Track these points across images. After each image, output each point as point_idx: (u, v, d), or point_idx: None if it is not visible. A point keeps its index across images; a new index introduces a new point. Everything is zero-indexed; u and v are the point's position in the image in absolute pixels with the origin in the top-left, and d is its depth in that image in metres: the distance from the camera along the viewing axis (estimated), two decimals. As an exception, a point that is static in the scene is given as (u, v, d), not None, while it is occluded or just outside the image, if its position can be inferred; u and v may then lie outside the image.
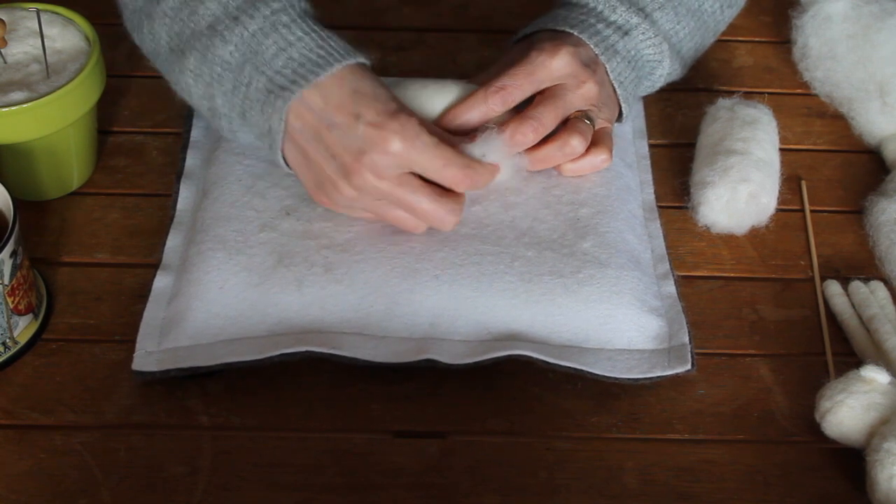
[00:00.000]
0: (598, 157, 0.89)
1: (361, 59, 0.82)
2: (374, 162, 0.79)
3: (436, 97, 0.85)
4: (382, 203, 0.82)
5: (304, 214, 0.86)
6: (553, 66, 0.85)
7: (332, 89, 0.80)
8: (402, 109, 0.80)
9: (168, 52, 0.86)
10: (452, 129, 0.84)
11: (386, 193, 0.81)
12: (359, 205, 0.83)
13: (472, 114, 0.84)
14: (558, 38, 0.87)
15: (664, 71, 0.93)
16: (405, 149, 0.79)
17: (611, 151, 0.89)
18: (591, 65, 0.87)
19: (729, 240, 0.93)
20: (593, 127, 0.89)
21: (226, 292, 0.83)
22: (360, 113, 0.79)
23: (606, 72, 0.89)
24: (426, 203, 0.82)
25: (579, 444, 0.80)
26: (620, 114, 0.92)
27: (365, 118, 0.79)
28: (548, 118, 0.85)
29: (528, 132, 0.84)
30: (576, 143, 0.87)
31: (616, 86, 0.89)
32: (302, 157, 0.82)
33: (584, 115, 0.88)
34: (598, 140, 0.89)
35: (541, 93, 0.86)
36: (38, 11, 0.90)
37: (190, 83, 0.85)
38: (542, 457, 0.79)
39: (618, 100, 0.91)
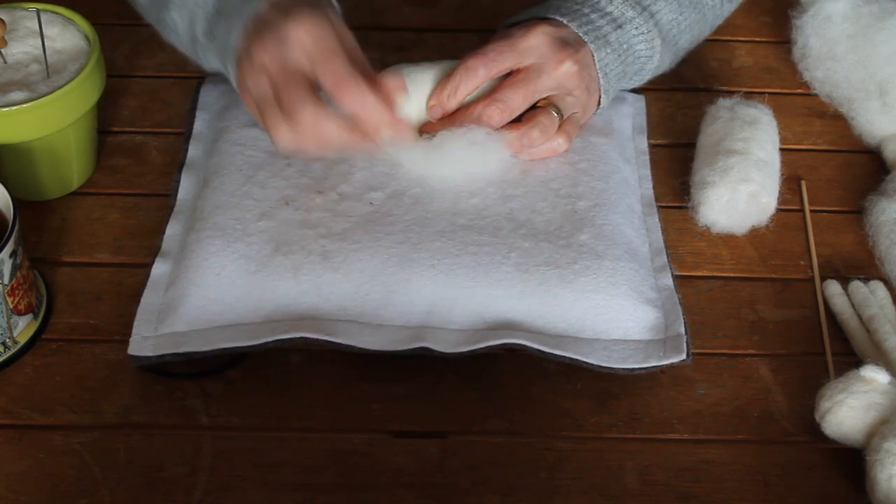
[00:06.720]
0: (555, 142, 0.90)
1: None
2: (271, 42, 0.80)
3: (424, 75, 0.88)
4: (269, 96, 0.81)
5: (302, 204, 0.87)
6: (530, 40, 0.87)
7: None
8: (317, 9, 0.81)
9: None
10: (443, 101, 0.87)
11: (273, 78, 0.80)
12: (255, 90, 0.82)
13: (459, 82, 0.86)
14: (544, 21, 0.89)
15: (653, 65, 0.94)
16: (301, 35, 0.79)
17: (570, 137, 0.90)
18: (573, 44, 0.89)
19: (729, 240, 0.93)
20: (561, 118, 0.89)
21: (223, 279, 0.83)
22: (277, 3, 0.81)
23: (593, 58, 0.90)
24: (306, 107, 0.79)
25: (579, 444, 0.80)
26: (598, 103, 0.92)
27: (277, 5, 0.81)
28: (515, 101, 0.87)
29: (494, 114, 0.87)
30: (535, 135, 0.88)
31: (601, 76, 0.90)
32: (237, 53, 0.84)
33: (553, 106, 0.89)
34: (561, 124, 0.90)
35: (513, 73, 0.87)
36: (38, 11, 0.90)
37: (175, 18, 0.88)
38: (542, 457, 0.79)
39: (599, 89, 0.91)
